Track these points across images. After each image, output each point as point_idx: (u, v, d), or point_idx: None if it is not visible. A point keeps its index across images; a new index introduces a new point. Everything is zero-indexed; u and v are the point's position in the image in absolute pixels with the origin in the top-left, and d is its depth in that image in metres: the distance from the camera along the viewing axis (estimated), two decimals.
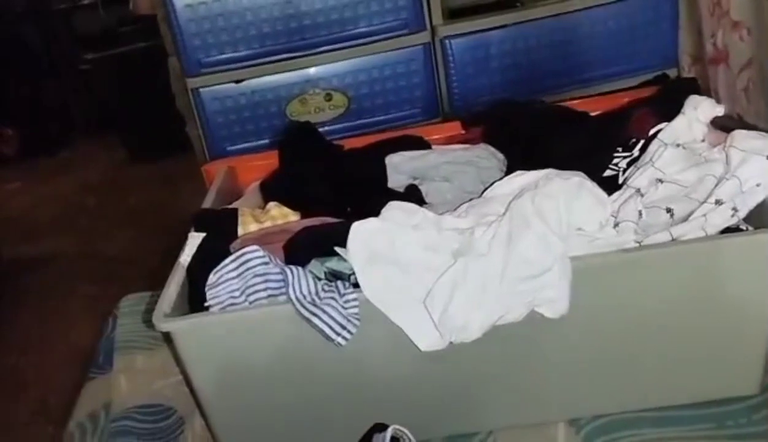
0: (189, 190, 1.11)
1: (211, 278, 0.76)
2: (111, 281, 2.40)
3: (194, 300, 0.78)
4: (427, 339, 0.71)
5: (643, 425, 0.79)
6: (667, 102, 0.86)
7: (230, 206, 0.95)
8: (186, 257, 0.83)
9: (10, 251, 2.93)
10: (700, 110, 0.82)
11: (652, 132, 0.83)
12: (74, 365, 1.29)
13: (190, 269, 0.81)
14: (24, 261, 2.87)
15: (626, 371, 0.78)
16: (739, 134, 0.77)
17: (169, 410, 0.93)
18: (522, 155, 0.92)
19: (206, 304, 0.75)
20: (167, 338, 0.76)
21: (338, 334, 0.71)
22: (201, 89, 1.99)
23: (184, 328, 0.74)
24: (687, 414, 0.79)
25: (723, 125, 0.84)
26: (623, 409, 0.80)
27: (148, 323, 0.75)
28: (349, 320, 0.72)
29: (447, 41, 1.99)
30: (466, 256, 0.71)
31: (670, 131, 0.81)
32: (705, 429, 0.77)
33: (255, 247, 0.76)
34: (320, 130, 2.01)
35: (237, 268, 0.76)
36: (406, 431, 0.71)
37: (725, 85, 1.77)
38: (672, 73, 2.02)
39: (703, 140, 0.81)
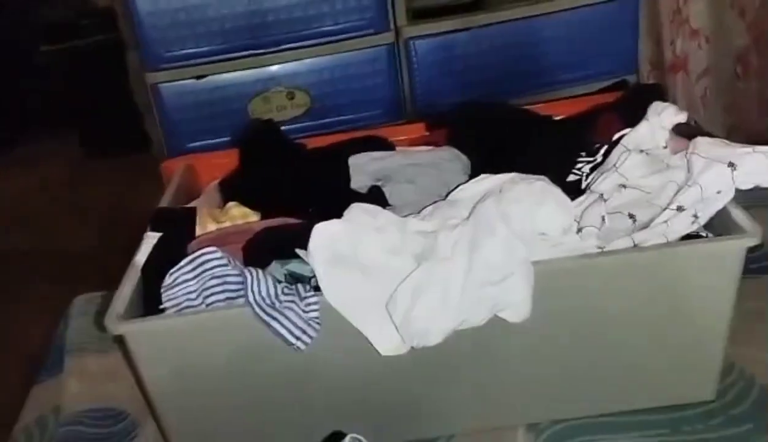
0: (148, 187, 1.09)
1: (167, 279, 0.74)
2: (67, 279, 2.33)
3: (150, 302, 0.76)
4: (388, 344, 0.70)
5: (601, 430, 0.79)
6: (631, 107, 0.87)
7: (188, 205, 0.93)
8: (141, 257, 0.80)
9: None
10: (663, 116, 0.82)
11: (615, 137, 0.84)
12: (25, 366, 1.25)
13: (146, 269, 0.78)
14: None
15: (585, 375, 0.79)
16: (701, 142, 0.78)
17: (121, 413, 0.90)
18: (486, 158, 0.92)
19: (161, 306, 0.73)
20: (120, 340, 0.74)
21: (298, 338, 0.69)
22: (161, 85, 1.95)
23: (138, 331, 0.71)
24: (644, 419, 0.79)
25: (684, 132, 0.84)
26: (582, 414, 0.80)
27: (100, 324, 0.73)
28: (309, 324, 0.70)
29: (411, 42, 1.99)
30: (429, 260, 0.70)
31: (633, 137, 0.82)
32: (661, 434, 0.77)
33: (213, 248, 0.74)
34: (282, 129, 2.00)
35: (194, 269, 0.74)
36: (363, 439, 0.70)
37: (683, 92, 1.80)
38: (632, 79, 2.05)
39: (665, 147, 0.82)
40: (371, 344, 0.71)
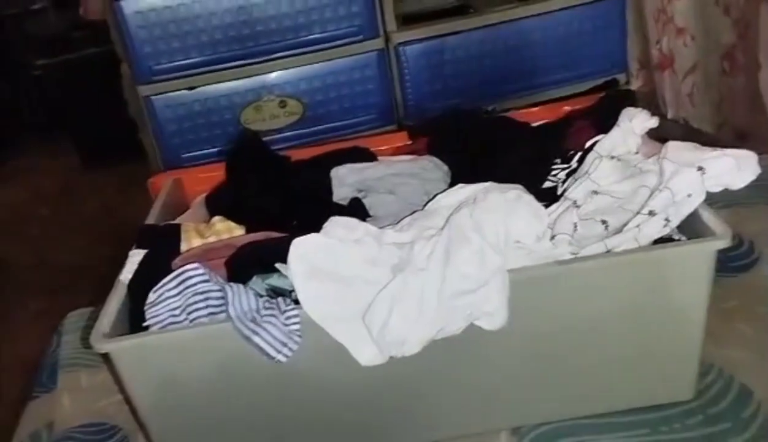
0: (143, 198, 1.10)
1: (151, 296, 0.75)
2: (62, 292, 2.36)
3: (135, 319, 0.78)
4: (367, 354, 0.72)
5: (582, 431, 0.80)
6: (603, 114, 0.88)
7: (174, 221, 0.94)
8: (127, 274, 0.82)
9: None
10: (635, 122, 0.83)
11: (589, 144, 0.85)
12: (21, 380, 1.26)
13: (131, 287, 0.80)
14: None
15: (565, 379, 0.80)
16: (672, 146, 0.79)
17: (113, 428, 0.92)
18: (466, 167, 0.93)
19: (146, 323, 0.75)
20: (106, 358, 0.75)
21: (278, 351, 0.71)
22: (153, 97, 1.97)
23: (123, 348, 0.73)
24: (624, 420, 0.80)
25: (668, 131, 0.86)
26: (563, 416, 0.82)
27: (87, 342, 0.74)
28: (290, 337, 0.72)
29: (401, 48, 2.01)
30: (405, 270, 0.72)
31: (606, 143, 0.83)
32: (641, 435, 0.79)
33: (195, 264, 0.76)
34: (275, 137, 2.02)
35: (177, 286, 0.75)
36: None
37: (671, 90, 1.81)
38: (621, 78, 2.06)
39: (637, 152, 0.83)
40: (351, 355, 0.72)
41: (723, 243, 0.72)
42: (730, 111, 1.63)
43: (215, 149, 1.98)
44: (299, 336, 0.72)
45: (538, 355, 0.78)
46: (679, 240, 0.76)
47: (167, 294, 0.75)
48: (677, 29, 1.71)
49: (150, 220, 0.96)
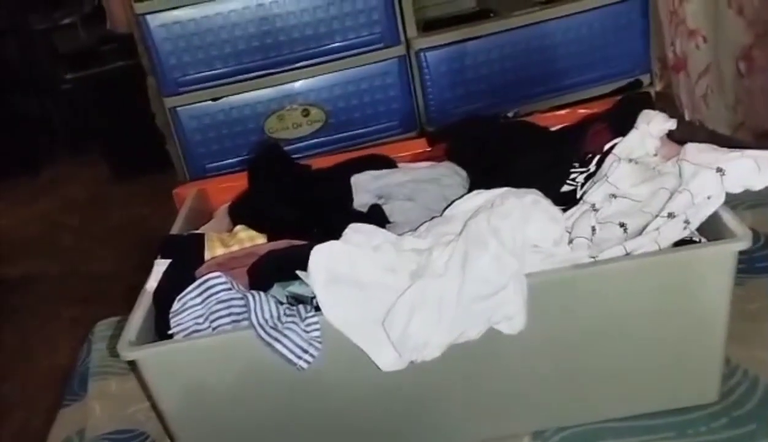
0: (170, 208, 1.12)
1: (175, 305, 0.77)
2: (94, 301, 2.40)
3: (161, 327, 0.79)
4: (387, 359, 0.72)
5: (605, 435, 0.80)
6: (621, 117, 0.88)
7: (198, 231, 0.96)
8: (152, 283, 0.84)
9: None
10: (652, 125, 0.83)
11: (607, 147, 0.85)
12: (57, 387, 1.29)
13: (156, 296, 0.82)
14: (6, 282, 2.87)
15: (587, 383, 0.80)
16: (690, 148, 0.79)
17: (142, 434, 0.94)
18: (484, 172, 0.93)
19: (170, 331, 0.76)
20: (133, 365, 0.77)
21: (299, 357, 0.72)
22: (178, 108, 2.00)
23: (149, 356, 0.75)
24: (648, 424, 0.80)
25: (686, 134, 0.86)
26: (586, 420, 0.81)
27: (114, 351, 0.76)
28: (311, 344, 0.73)
29: (422, 54, 2.02)
30: (424, 277, 0.72)
31: (623, 146, 0.83)
32: (666, 438, 0.78)
33: (218, 273, 0.77)
34: (298, 145, 2.04)
35: (200, 294, 0.77)
36: None
37: (686, 92, 1.80)
38: (645, 79, 2.05)
39: (655, 154, 0.83)
40: (372, 361, 0.73)
41: (743, 245, 0.72)
42: (749, 112, 1.61)
43: (239, 159, 2.00)
44: (320, 342, 0.73)
45: (559, 358, 0.78)
46: (699, 242, 0.76)
47: (191, 303, 0.77)
48: (689, 31, 1.70)
49: (174, 230, 0.98)
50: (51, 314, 2.56)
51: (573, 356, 0.78)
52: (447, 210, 0.82)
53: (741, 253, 0.73)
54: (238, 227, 0.93)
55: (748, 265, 0.96)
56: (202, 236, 0.90)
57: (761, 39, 1.47)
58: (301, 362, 0.72)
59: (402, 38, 2.01)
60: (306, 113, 2.05)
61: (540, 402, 0.81)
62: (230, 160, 2.02)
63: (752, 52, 1.51)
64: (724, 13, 1.53)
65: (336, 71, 2.01)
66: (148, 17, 1.87)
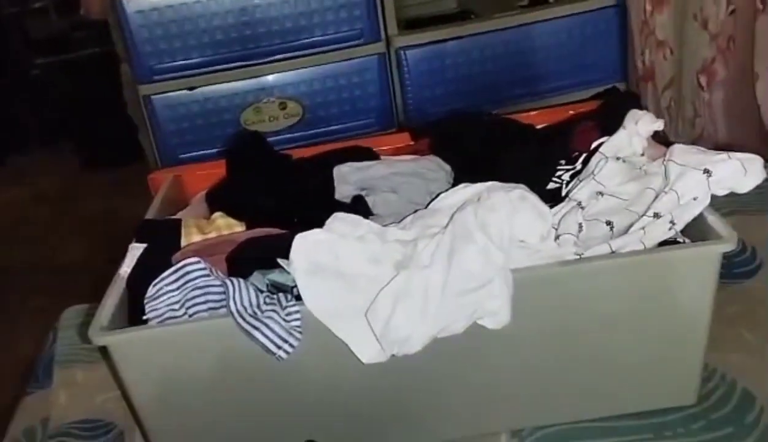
0: (143, 199, 1.10)
1: (150, 290, 0.74)
2: (62, 292, 2.34)
3: (134, 313, 0.77)
4: (369, 352, 0.71)
5: (584, 435, 0.79)
6: (609, 116, 0.88)
7: (174, 217, 0.94)
8: (126, 268, 0.81)
9: None
10: (640, 124, 0.83)
11: (594, 145, 0.85)
12: (19, 379, 1.25)
13: (130, 281, 0.79)
14: None
15: (567, 381, 0.79)
16: (677, 149, 0.79)
17: (109, 424, 0.91)
18: (469, 167, 0.93)
19: (144, 317, 0.74)
20: (104, 352, 0.74)
21: (279, 347, 0.70)
22: (153, 96, 1.97)
23: (121, 342, 0.72)
24: (627, 424, 0.80)
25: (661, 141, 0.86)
26: (564, 420, 0.81)
27: (85, 336, 0.73)
28: (290, 334, 0.71)
29: (402, 52, 2.01)
30: (409, 268, 0.71)
31: (611, 145, 0.83)
32: (643, 439, 0.78)
33: (196, 258, 0.75)
34: (274, 138, 2.01)
35: (177, 280, 0.74)
36: None
37: (652, 103, 1.81)
38: (622, 86, 2.06)
39: (642, 154, 0.83)
40: (353, 353, 0.72)
41: (728, 246, 0.72)
42: (707, 126, 1.62)
43: (214, 150, 1.97)
44: (300, 332, 0.71)
45: (540, 356, 0.77)
46: (683, 243, 0.76)
47: (167, 288, 0.75)
48: (657, 42, 1.71)
49: (149, 215, 0.95)
50: (17, 305, 2.50)
51: (554, 354, 0.77)
52: (433, 202, 0.81)
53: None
54: (216, 214, 0.91)
55: (726, 270, 0.97)
56: (179, 222, 0.88)
57: (723, 53, 1.49)
58: (280, 352, 0.70)
59: (383, 36, 2.00)
60: (283, 107, 2.03)
61: (519, 400, 0.80)
62: (204, 152, 1.99)
63: (713, 66, 1.53)
64: (690, 25, 1.54)
65: (315, 65, 2.00)
66: (125, 2, 1.84)
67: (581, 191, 0.79)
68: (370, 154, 1.02)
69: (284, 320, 0.71)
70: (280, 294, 0.74)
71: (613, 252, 0.73)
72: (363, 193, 0.92)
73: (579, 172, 0.84)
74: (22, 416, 0.95)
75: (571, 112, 1.02)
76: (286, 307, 0.72)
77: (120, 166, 3.16)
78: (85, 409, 0.94)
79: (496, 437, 0.81)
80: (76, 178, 3.51)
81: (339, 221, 0.77)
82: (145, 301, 0.74)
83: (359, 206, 0.88)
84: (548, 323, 0.75)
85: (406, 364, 0.72)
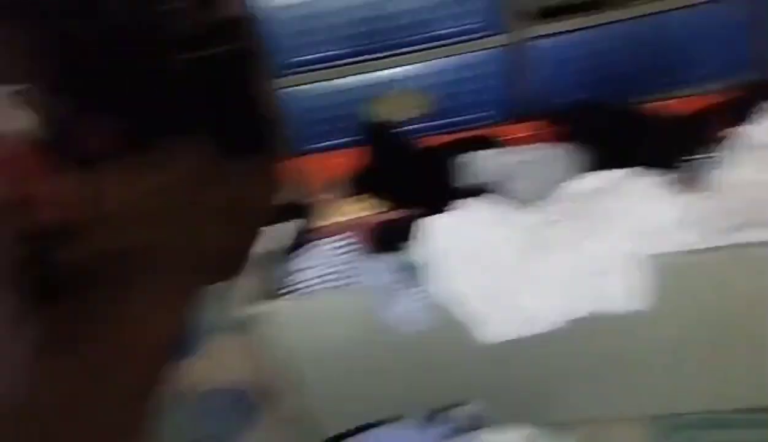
0: (275, 186, 1.17)
1: (291, 265, 0.80)
2: (204, 270, 2.49)
3: (274, 288, 0.83)
4: (496, 331, 0.73)
5: (726, 425, 0.78)
6: (745, 105, 0.85)
7: (314, 199, 1.00)
8: (269, 244, 0.88)
9: (105, 243, 3.11)
10: None
11: (730, 133, 0.83)
12: (168, 350, 1.36)
13: (273, 256, 0.85)
14: (119, 253, 3.03)
15: (710, 370, 0.78)
16: None
17: (250, 393, 0.98)
18: (600, 155, 0.92)
19: (285, 290, 0.80)
20: (248, 322, 0.81)
21: (409, 325, 0.74)
22: (287, 89, 2.06)
23: (263, 313, 0.78)
24: (764, 418, 0.77)
25: None
26: (706, 408, 0.80)
27: (228, 309, 0.80)
28: (419, 312, 0.75)
29: (527, 43, 1.99)
30: (537, 251, 0.73)
31: (748, 134, 0.80)
32: None
33: (334, 237, 0.80)
34: (402, 129, 2.06)
35: (315, 257, 0.80)
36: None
37: None
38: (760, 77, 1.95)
39: None
40: (480, 332, 0.74)
41: None
42: None
43: (343, 140, 2.04)
44: (429, 312, 0.74)
45: (681, 343, 0.77)
46: None
47: (306, 263, 0.80)
48: None
49: (286, 200, 1.01)
50: (161, 283, 2.69)
51: (696, 342, 0.77)
52: (564, 188, 0.82)
53: None
54: (354, 198, 0.96)
55: None
56: (319, 202, 0.93)
57: None
58: (409, 330, 0.74)
59: (506, 27, 1.99)
60: (409, 99, 2.07)
61: (659, 386, 0.80)
62: (335, 141, 2.06)
63: None
64: None
65: (440, 58, 2.02)
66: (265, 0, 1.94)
67: (715, 180, 0.78)
68: (495, 143, 1.04)
69: (414, 298, 0.75)
70: (411, 274, 0.77)
71: (747, 243, 0.71)
72: (492, 180, 0.94)
73: (713, 160, 0.83)
74: (172, 383, 1.04)
75: (707, 102, 0.99)
76: (415, 287, 0.75)
77: (256, 155, 3.32)
78: (230, 377, 1.01)
79: (636, 421, 0.81)
80: (215, 167, 3.72)
81: (469, 205, 0.79)
82: (286, 275, 0.80)
83: (489, 192, 0.90)
84: (688, 309, 0.74)
85: (534, 345, 0.73)
